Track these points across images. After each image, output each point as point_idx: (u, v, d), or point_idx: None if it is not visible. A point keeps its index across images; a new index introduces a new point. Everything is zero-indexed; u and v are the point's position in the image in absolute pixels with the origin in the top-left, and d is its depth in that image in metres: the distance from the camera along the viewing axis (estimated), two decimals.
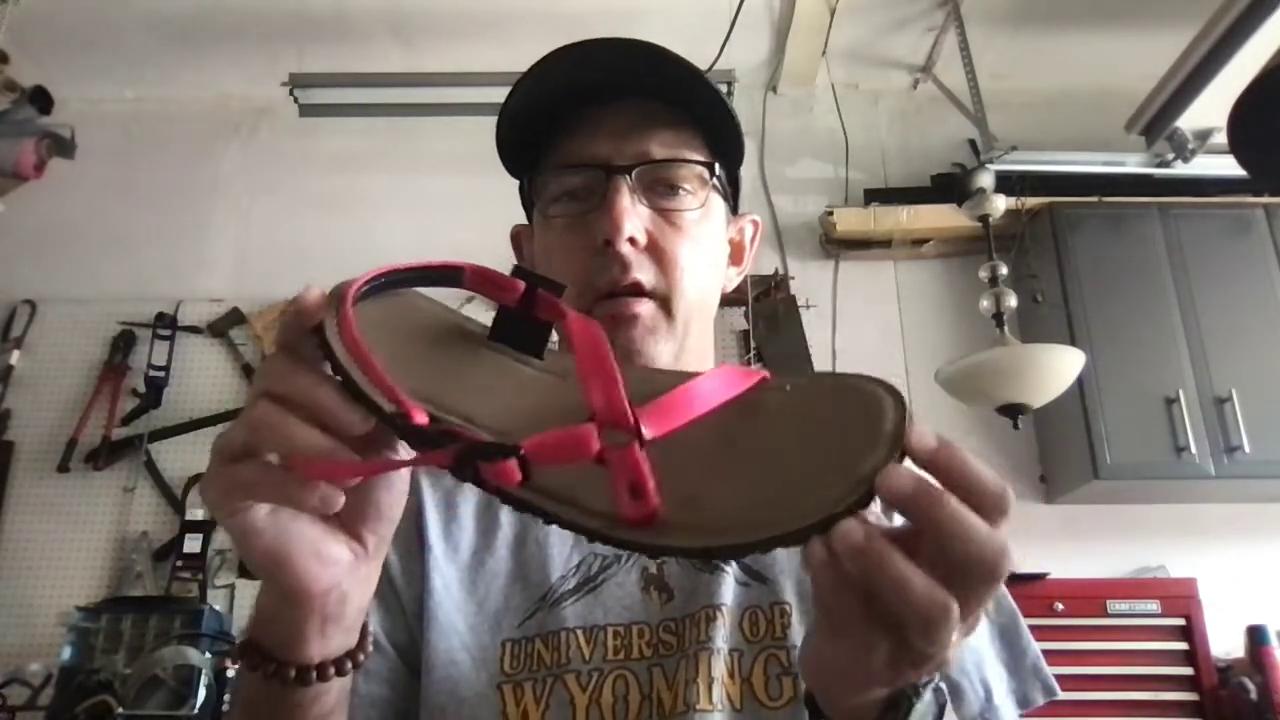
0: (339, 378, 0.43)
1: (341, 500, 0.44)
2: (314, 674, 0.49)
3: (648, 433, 0.39)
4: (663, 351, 0.71)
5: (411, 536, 0.71)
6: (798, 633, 0.66)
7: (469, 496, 0.74)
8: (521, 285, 0.48)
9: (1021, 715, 0.70)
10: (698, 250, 0.73)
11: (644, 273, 0.70)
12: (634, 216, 0.69)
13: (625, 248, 0.68)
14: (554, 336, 0.53)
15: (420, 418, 0.41)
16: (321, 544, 0.46)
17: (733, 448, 0.41)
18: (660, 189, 0.72)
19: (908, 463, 0.38)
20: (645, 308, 0.70)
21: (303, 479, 0.43)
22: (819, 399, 0.42)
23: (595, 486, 0.40)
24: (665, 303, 0.71)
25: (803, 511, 0.36)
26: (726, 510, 0.38)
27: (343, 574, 0.48)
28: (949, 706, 0.46)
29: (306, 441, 0.42)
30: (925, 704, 0.44)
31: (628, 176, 0.70)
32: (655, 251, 0.70)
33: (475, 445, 0.40)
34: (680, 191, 0.72)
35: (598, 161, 0.71)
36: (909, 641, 0.38)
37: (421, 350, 0.47)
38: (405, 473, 0.50)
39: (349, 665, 0.51)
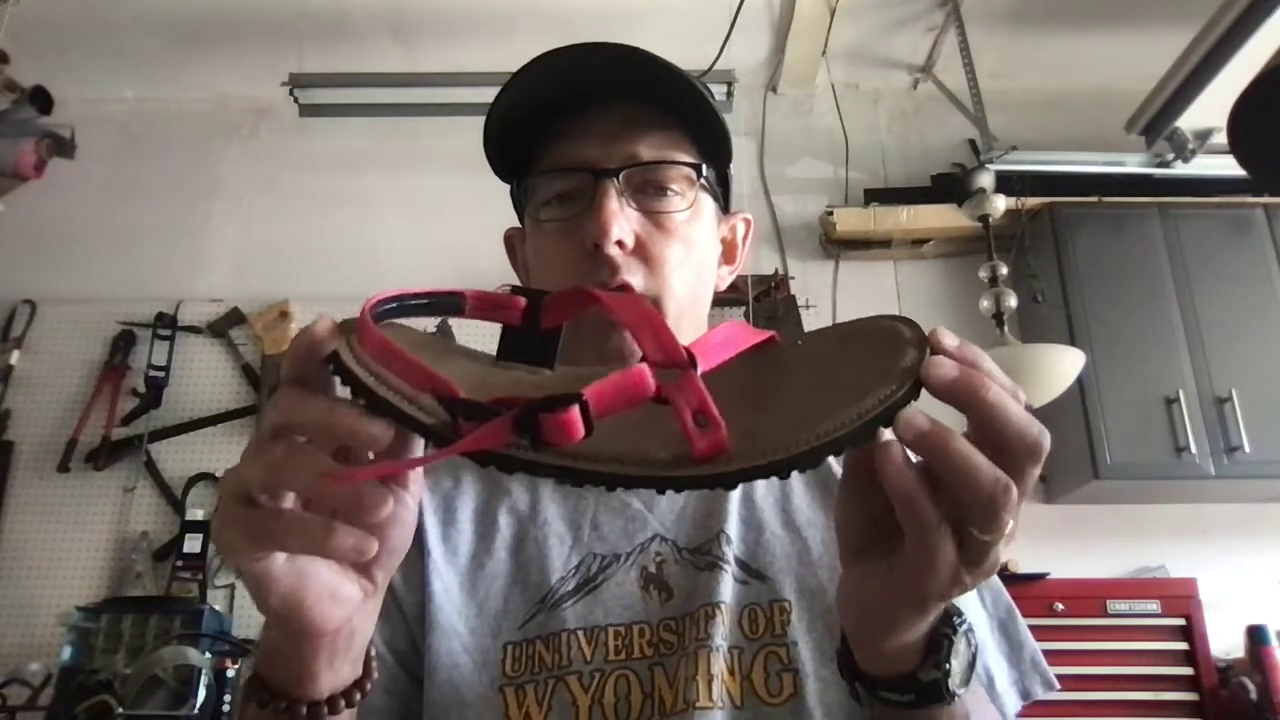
0: (361, 400, 0.42)
1: (375, 549, 0.43)
2: (325, 709, 0.49)
3: (700, 365, 0.39)
4: None
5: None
6: (797, 630, 0.66)
7: (467, 500, 0.75)
8: (523, 302, 0.48)
9: (1022, 708, 0.70)
10: (687, 251, 0.73)
11: (633, 275, 0.70)
12: (622, 219, 0.69)
13: (614, 250, 0.69)
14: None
15: (464, 393, 0.40)
16: (336, 586, 0.46)
17: (769, 386, 0.42)
18: (649, 191, 0.72)
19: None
20: None
21: (329, 528, 0.42)
22: (833, 343, 0.43)
23: (651, 438, 0.39)
24: (656, 303, 0.71)
25: (860, 412, 0.37)
26: (785, 432, 0.38)
27: (354, 610, 0.48)
28: (977, 653, 0.48)
29: (330, 534, 0.42)
30: (962, 644, 0.47)
31: (615, 179, 0.70)
32: (644, 253, 0.71)
33: (534, 402, 0.38)
34: (669, 193, 0.72)
35: (586, 165, 0.71)
36: (969, 535, 0.40)
37: (441, 367, 0.47)
38: (414, 503, 0.49)
39: (357, 696, 0.51)
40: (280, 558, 0.43)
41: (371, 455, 0.45)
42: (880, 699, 0.49)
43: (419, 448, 0.47)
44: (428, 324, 1.78)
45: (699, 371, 0.39)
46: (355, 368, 0.42)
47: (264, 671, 0.50)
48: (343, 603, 0.46)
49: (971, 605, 0.71)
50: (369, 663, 0.53)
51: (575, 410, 0.38)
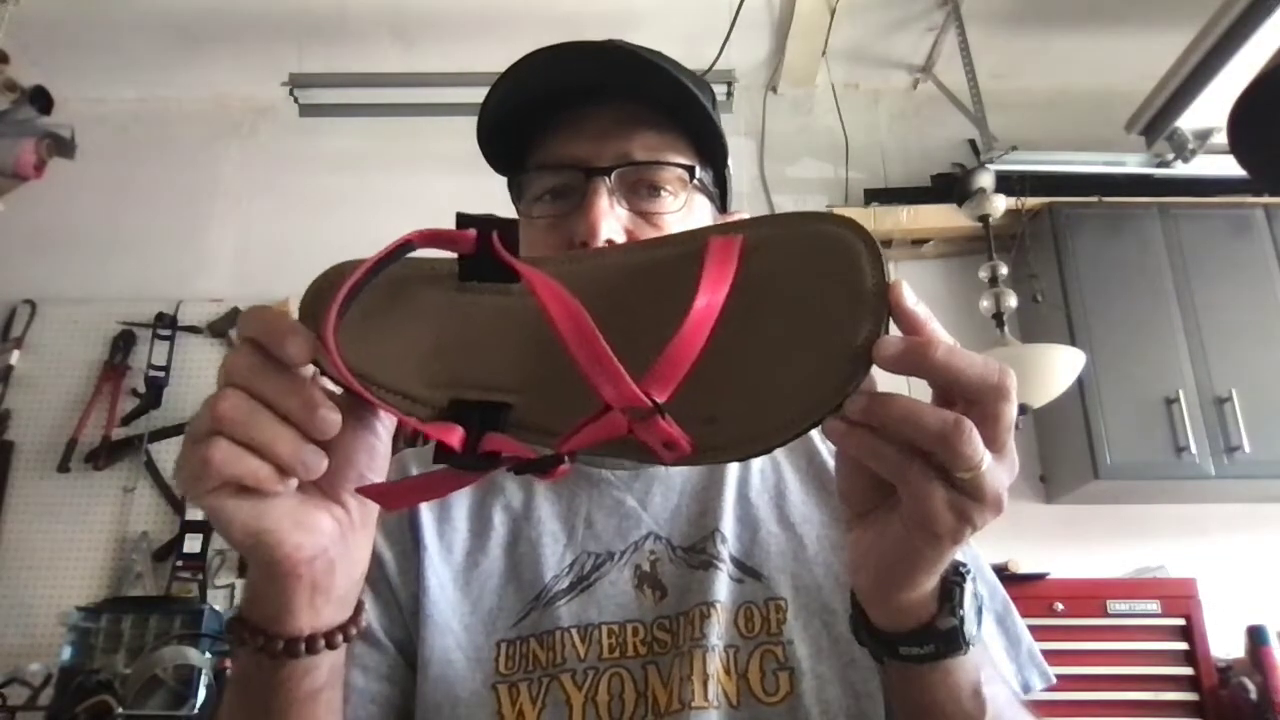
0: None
1: (324, 465, 0.45)
2: (303, 646, 0.49)
3: (660, 398, 0.41)
4: None
5: (406, 536, 0.72)
6: (793, 628, 0.66)
7: (462, 497, 0.75)
8: (473, 234, 0.47)
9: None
10: None
11: None
12: (611, 218, 0.69)
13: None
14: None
15: (454, 439, 0.43)
16: (301, 514, 0.46)
17: (730, 357, 0.43)
18: (642, 190, 0.72)
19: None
20: None
21: (268, 460, 0.43)
22: (801, 258, 0.44)
23: (627, 442, 0.43)
24: None
25: (818, 400, 0.41)
26: (743, 422, 0.42)
27: (328, 542, 0.48)
28: (985, 605, 0.51)
29: (275, 436, 0.43)
30: (970, 592, 0.49)
31: (607, 178, 0.70)
32: None
33: (526, 462, 0.43)
34: (662, 193, 0.72)
35: (578, 162, 0.71)
36: (953, 477, 0.42)
37: (414, 331, 0.47)
38: (385, 433, 0.50)
39: (340, 639, 0.51)
40: (231, 490, 0.44)
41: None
42: (900, 656, 0.50)
43: (382, 428, 0.49)
44: None
45: (662, 403, 0.41)
46: (350, 380, 0.45)
47: (245, 610, 0.50)
48: (311, 531, 0.47)
49: None
50: (359, 613, 0.52)
51: (562, 463, 0.43)
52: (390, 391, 0.46)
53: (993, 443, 0.42)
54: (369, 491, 0.45)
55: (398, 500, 0.47)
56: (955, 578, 0.49)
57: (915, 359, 0.41)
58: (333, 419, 0.44)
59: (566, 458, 0.42)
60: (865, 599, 0.51)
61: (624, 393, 0.41)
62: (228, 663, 2.15)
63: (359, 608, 0.53)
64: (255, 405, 0.43)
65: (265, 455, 0.43)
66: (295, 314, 0.47)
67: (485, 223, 0.47)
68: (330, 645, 0.50)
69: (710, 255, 0.44)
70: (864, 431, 0.42)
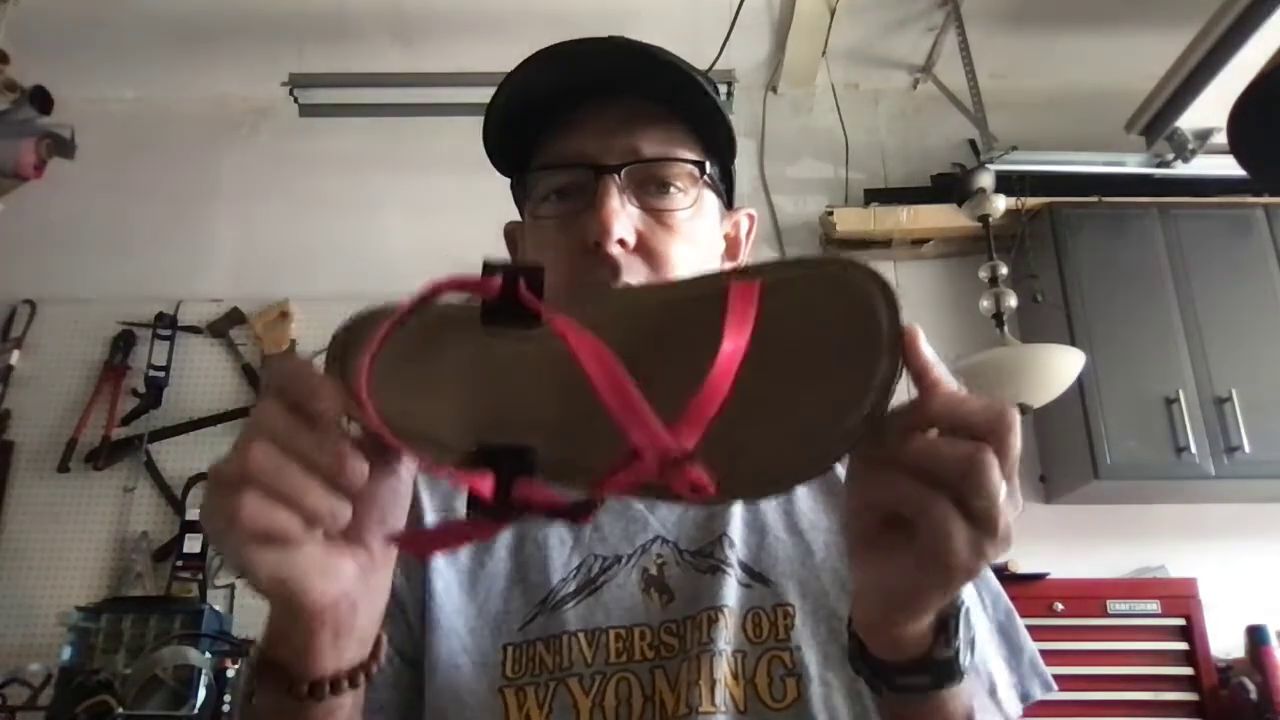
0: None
1: (349, 514, 0.45)
2: (327, 688, 0.49)
3: (689, 445, 0.42)
4: None
5: None
6: (801, 634, 0.66)
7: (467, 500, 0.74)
8: (499, 280, 0.48)
9: (1023, 710, 0.71)
10: (690, 248, 0.71)
11: (634, 274, 0.68)
12: (623, 217, 0.68)
13: (615, 249, 0.67)
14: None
15: (485, 488, 0.44)
16: (325, 560, 0.46)
17: (751, 398, 0.44)
18: (651, 187, 0.71)
19: None
20: None
21: (297, 512, 0.44)
22: (819, 301, 0.45)
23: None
24: None
25: (841, 435, 0.43)
26: (767, 459, 0.43)
27: (350, 584, 0.48)
28: (975, 640, 0.52)
29: (303, 488, 0.43)
30: (964, 623, 0.50)
31: (617, 176, 0.69)
32: (646, 251, 0.70)
33: (560, 509, 0.44)
34: (671, 190, 0.71)
35: (586, 160, 0.70)
36: (971, 505, 0.42)
37: (438, 377, 0.48)
38: (408, 476, 0.50)
39: (362, 678, 0.51)
40: (258, 540, 0.44)
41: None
42: (896, 686, 0.50)
43: (405, 470, 0.50)
44: None
45: (690, 450, 0.42)
46: (384, 432, 0.45)
47: (269, 650, 0.50)
48: (335, 576, 0.47)
49: (972, 607, 0.71)
50: (379, 647, 0.53)
51: (595, 508, 0.44)
52: (418, 438, 0.46)
53: (1006, 476, 0.43)
54: (403, 543, 0.46)
55: (428, 548, 0.47)
56: (951, 609, 0.49)
57: (920, 418, 0.43)
58: (361, 470, 0.44)
59: (598, 502, 0.43)
60: (866, 630, 0.51)
61: (655, 440, 0.42)
62: (228, 663, 2.15)
63: (378, 642, 0.53)
64: (284, 458, 0.43)
65: (293, 506, 0.43)
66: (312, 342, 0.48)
67: (511, 269, 0.48)
68: (353, 685, 0.50)
69: (732, 300, 0.45)
70: (888, 470, 0.43)
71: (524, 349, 0.48)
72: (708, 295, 0.46)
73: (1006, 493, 0.43)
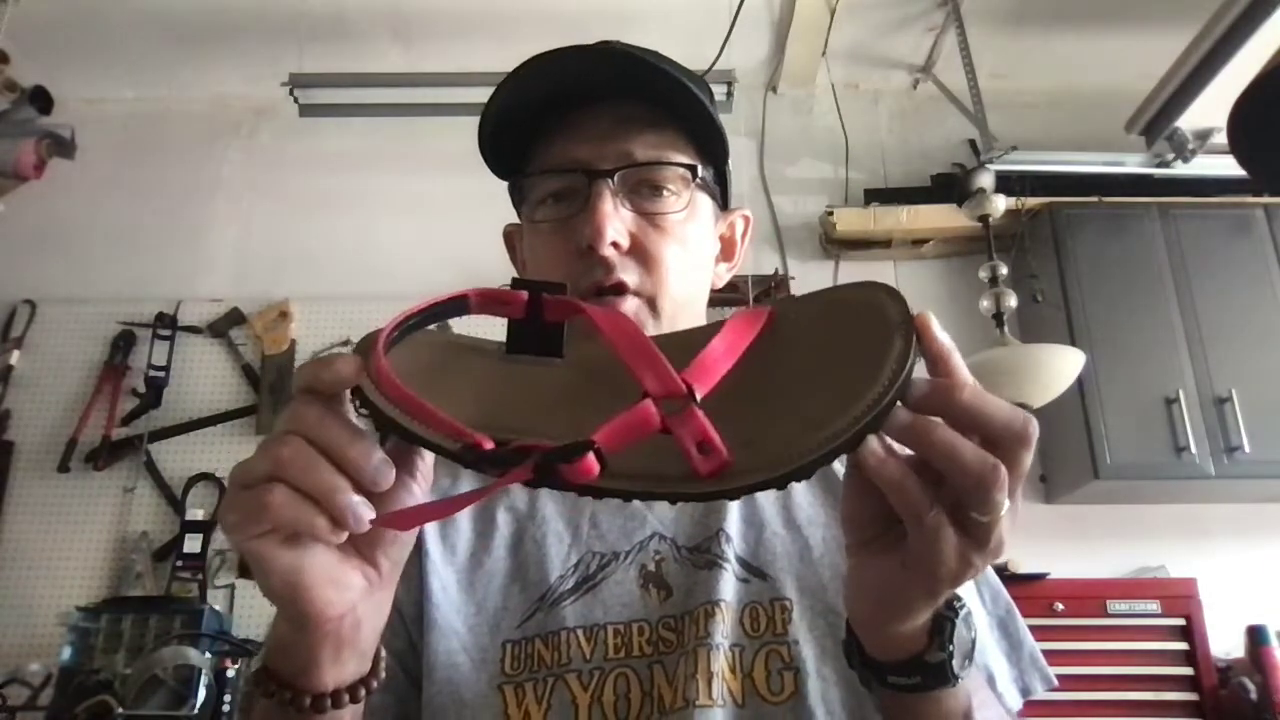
0: (393, 432, 0.46)
1: (370, 519, 0.45)
2: (328, 701, 0.50)
3: (699, 392, 0.42)
4: None
5: None
6: (799, 628, 0.66)
7: None
8: (525, 296, 0.49)
9: (1023, 704, 0.71)
10: (683, 250, 0.73)
11: (628, 274, 0.70)
12: (616, 221, 0.69)
13: (608, 251, 0.69)
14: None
15: (488, 443, 0.44)
16: (337, 571, 0.47)
17: (766, 386, 0.44)
18: (644, 191, 0.72)
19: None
20: (630, 305, 0.71)
21: (323, 510, 0.44)
22: (822, 316, 0.46)
23: (665, 457, 0.43)
24: (651, 301, 0.71)
25: (851, 419, 0.41)
26: (783, 441, 0.42)
27: (357, 598, 0.48)
28: (976, 639, 0.51)
29: (333, 486, 0.43)
30: (962, 628, 0.49)
31: (610, 180, 0.70)
32: (639, 254, 0.71)
33: (552, 451, 0.42)
34: (664, 193, 0.72)
35: (580, 165, 0.71)
36: (969, 517, 0.42)
37: (457, 383, 0.49)
38: (422, 494, 0.50)
39: (362, 692, 0.51)
40: (279, 538, 0.44)
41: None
42: (888, 684, 0.51)
43: (425, 464, 0.50)
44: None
45: (699, 398, 0.42)
46: (385, 407, 0.45)
47: (271, 662, 0.50)
48: (344, 589, 0.47)
49: (972, 603, 0.72)
50: (378, 661, 0.53)
51: (590, 456, 0.41)
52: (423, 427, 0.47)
53: (1010, 491, 0.42)
54: (380, 520, 0.46)
55: (406, 521, 0.47)
56: (948, 612, 0.50)
57: (943, 399, 0.42)
58: (388, 470, 0.45)
59: (593, 452, 0.42)
60: (859, 626, 0.51)
61: (664, 376, 0.42)
62: (228, 663, 2.15)
63: (378, 657, 0.53)
64: (315, 453, 0.44)
65: (320, 504, 0.43)
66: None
67: (538, 287, 0.49)
68: (354, 699, 0.51)
69: (737, 315, 0.46)
70: (897, 461, 0.42)
71: (540, 372, 0.49)
72: (715, 323, 0.47)
73: (1008, 508, 0.42)
